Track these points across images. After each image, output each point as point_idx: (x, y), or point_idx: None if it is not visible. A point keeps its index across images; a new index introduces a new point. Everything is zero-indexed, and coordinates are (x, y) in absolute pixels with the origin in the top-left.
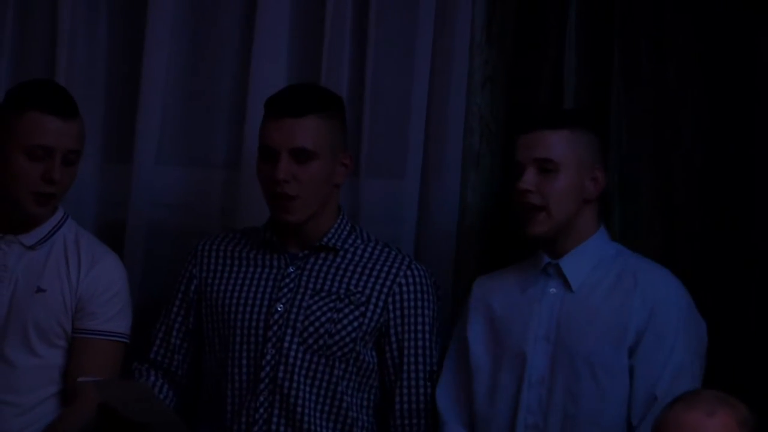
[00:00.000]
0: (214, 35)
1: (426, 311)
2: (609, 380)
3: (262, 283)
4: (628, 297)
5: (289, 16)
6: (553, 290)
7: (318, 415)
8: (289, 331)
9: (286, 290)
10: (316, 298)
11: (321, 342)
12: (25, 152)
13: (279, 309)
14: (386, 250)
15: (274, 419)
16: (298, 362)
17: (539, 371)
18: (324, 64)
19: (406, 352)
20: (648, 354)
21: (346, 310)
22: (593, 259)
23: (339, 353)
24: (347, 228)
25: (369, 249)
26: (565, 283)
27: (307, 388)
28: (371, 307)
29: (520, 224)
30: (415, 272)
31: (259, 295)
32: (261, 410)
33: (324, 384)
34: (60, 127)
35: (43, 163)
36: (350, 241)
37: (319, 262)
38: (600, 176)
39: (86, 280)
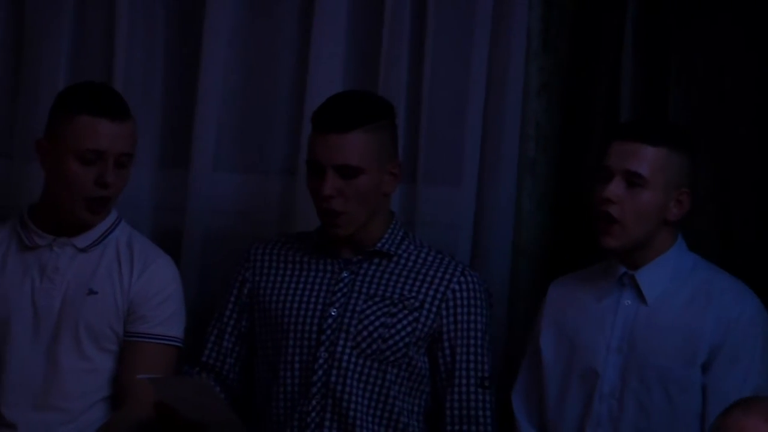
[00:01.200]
0: (271, 41)
1: (479, 318)
2: (681, 396)
3: (316, 287)
4: (702, 312)
5: (346, 22)
6: (627, 302)
7: (370, 419)
8: (342, 335)
9: (339, 295)
10: (370, 303)
11: (374, 346)
12: (77, 157)
13: (332, 313)
14: (439, 256)
15: (326, 423)
16: (351, 366)
17: (611, 383)
18: (381, 71)
19: (458, 358)
20: (722, 373)
21: (400, 315)
22: (670, 272)
23: (392, 358)
24: (400, 234)
25: (423, 255)
26: (640, 296)
27: (360, 392)
28: (424, 312)
29: (595, 231)
30: (469, 279)
31: (312, 300)
32: (313, 414)
33: (376, 389)
34: (111, 130)
35: (96, 166)
36: (403, 247)
37: (373, 267)
38: (686, 200)
39: (138, 282)
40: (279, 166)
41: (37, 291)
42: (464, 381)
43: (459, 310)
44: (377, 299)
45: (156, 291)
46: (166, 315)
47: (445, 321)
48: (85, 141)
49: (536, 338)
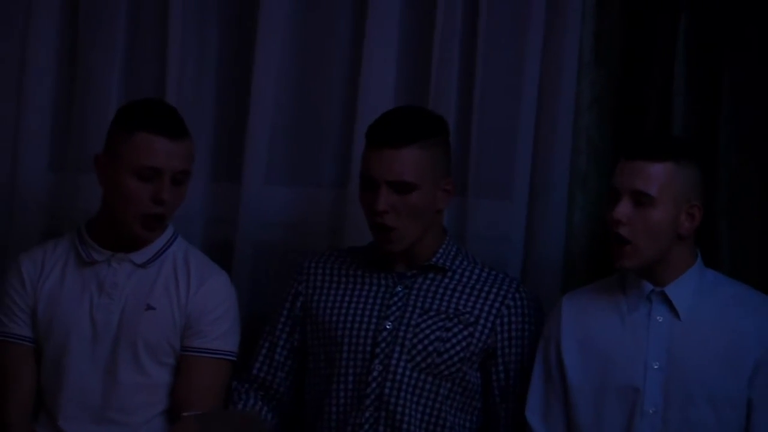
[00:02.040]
0: (323, 55)
1: (532, 335)
2: (727, 410)
3: (370, 301)
4: (741, 326)
5: (397, 36)
6: (660, 318)
7: None
8: (397, 348)
9: (394, 308)
10: (425, 317)
11: (429, 360)
12: (135, 173)
13: (387, 327)
14: (493, 272)
15: None
16: (405, 379)
17: (653, 401)
18: (432, 84)
19: (512, 374)
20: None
21: (455, 330)
22: (695, 287)
23: (446, 372)
24: (454, 249)
25: (477, 270)
26: (672, 311)
27: (413, 406)
28: (479, 327)
29: (609, 253)
30: (523, 295)
31: (366, 313)
32: (366, 426)
33: (429, 402)
34: (169, 148)
35: (153, 183)
36: (457, 262)
37: (427, 281)
38: (697, 213)
39: (195, 298)
40: (330, 179)
41: (95, 306)
42: (518, 398)
43: (513, 326)
44: (432, 313)
45: (212, 306)
46: (221, 330)
47: (499, 337)
48: (142, 158)
49: (551, 355)
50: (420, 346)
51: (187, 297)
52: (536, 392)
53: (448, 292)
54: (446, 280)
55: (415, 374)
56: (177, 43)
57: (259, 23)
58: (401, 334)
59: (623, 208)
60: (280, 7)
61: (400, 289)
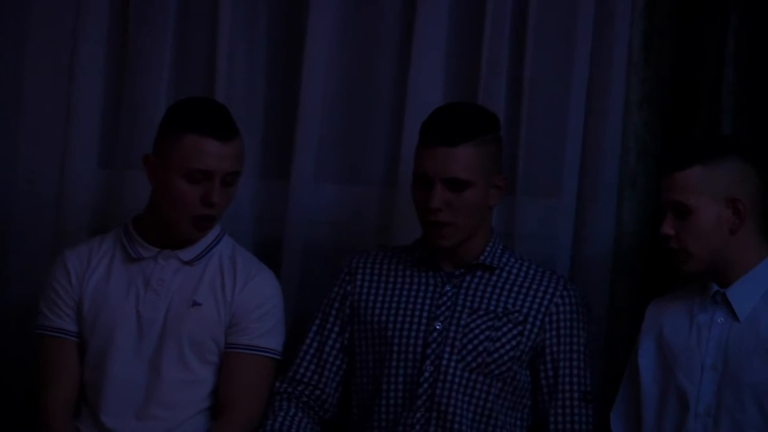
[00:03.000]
0: (372, 53)
1: (580, 332)
2: None
3: (419, 301)
4: None
5: (446, 34)
6: (720, 320)
7: None
8: (448, 348)
9: (443, 308)
10: (474, 317)
11: (479, 360)
12: (184, 175)
13: (437, 327)
14: (540, 270)
15: None
16: (456, 380)
17: (706, 401)
18: (481, 83)
19: (561, 372)
20: None
21: (505, 329)
22: (761, 288)
23: (496, 371)
24: (500, 247)
25: (524, 268)
26: (731, 313)
27: (464, 406)
28: (528, 326)
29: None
30: (571, 293)
31: (416, 313)
32: (417, 427)
33: (481, 402)
34: (218, 150)
35: (202, 185)
36: (504, 260)
37: (476, 280)
38: (742, 206)
39: (241, 295)
40: (378, 178)
41: (141, 302)
42: (567, 395)
43: (561, 324)
44: (481, 313)
45: (257, 304)
46: (266, 328)
47: (548, 335)
48: (191, 161)
49: (634, 358)
50: (470, 346)
51: (232, 294)
52: (621, 394)
53: (497, 291)
54: (494, 278)
55: (465, 374)
56: (226, 41)
57: (309, 21)
58: (451, 334)
59: (667, 223)
60: (329, 4)
61: (449, 288)
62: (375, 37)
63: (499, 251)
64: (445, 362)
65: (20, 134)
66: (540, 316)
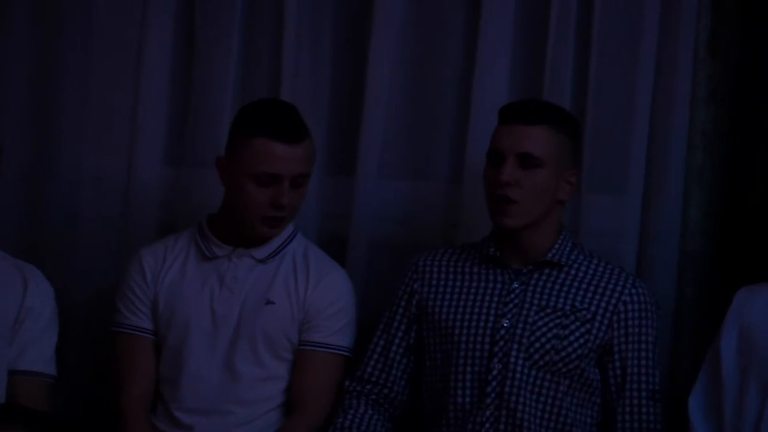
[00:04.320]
0: (437, 49)
1: (649, 330)
2: None
3: (487, 298)
4: None
5: (512, 31)
6: None
7: (543, 431)
8: (515, 346)
9: (511, 306)
10: (542, 314)
11: (547, 358)
12: (254, 178)
13: (505, 324)
14: (609, 267)
15: None
16: (524, 377)
17: None
18: (546, 79)
19: (629, 370)
20: None
21: (572, 327)
22: None
23: (564, 369)
24: (569, 244)
25: (593, 266)
26: None
27: (533, 404)
28: (596, 324)
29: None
30: (639, 290)
31: (484, 311)
32: (487, 425)
33: (549, 400)
34: (287, 154)
35: (272, 188)
36: (573, 257)
37: (543, 278)
38: None
39: (314, 293)
40: (444, 174)
41: (216, 299)
42: (635, 394)
43: (630, 322)
44: (549, 311)
45: (330, 302)
46: (338, 326)
47: (616, 333)
48: (261, 164)
49: (716, 344)
50: (537, 344)
51: (305, 292)
52: (702, 378)
53: (565, 289)
54: (562, 276)
55: (533, 372)
56: (292, 39)
57: (374, 18)
58: (519, 332)
59: None
60: (394, 1)
61: (516, 285)
62: (440, 34)
63: (568, 248)
64: (512, 360)
65: (87, 132)
66: (608, 314)
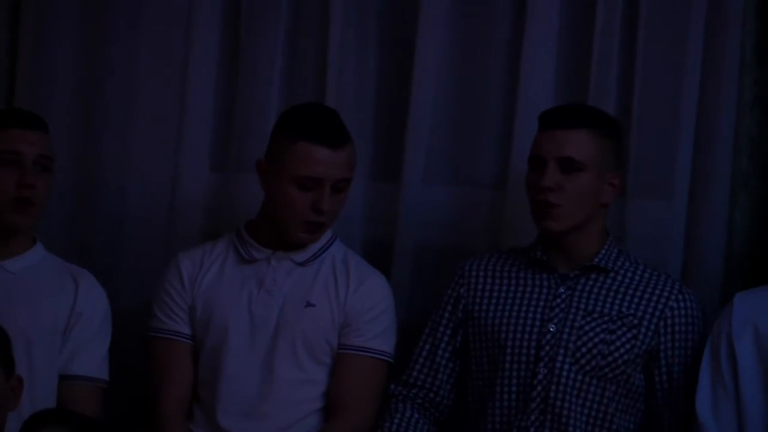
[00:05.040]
0: (482, 55)
1: (696, 336)
2: None
3: (533, 303)
4: None
5: (556, 38)
6: None
7: None
8: (561, 351)
9: (557, 310)
10: (588, 319)
11: (594, 363)
12: (295, 182)
13: (551, 329)
14: (655, 273)
15: None
16: (570, 382)
17: None
18: (591, 84)
19: (675, 376)
20: None
21: (619, 332)
22: None
23: (610, 375)
24: (615, 249)
25: (639, 271)
26: None
27: (578, 408)
28: (643, 330)
29: None
30: (686, 297)
31: (530, 315)
32: (532, 429)
33: (595, 405)
34: (329, 158)
35: (313, 192)
36: (619, 263)
37: (590, 283)
38: None
39: (354, 297)
40: (489, 179)
41: (254, 302)
42: (682, 400)
43: (677, 328)
44: (596, 315)
45: (370, 306)
46: (378, 330)
47: (662, 339)
48: (302, 168)
49: (722, 350)
50: (584, 349)
51: (346, 295)
52: (705, 387)
53: (611, 294)
54: (609, 281)
55: (579, 377)
56: (337, 44)
57: (419, 23)
58: (565, 336)
59: None
60: (439, 6)
61: (563, 290)
62: (485, 39)
63: (614, 254)
64: (558, 364)
65: (133, 137)
66: (655, 320)
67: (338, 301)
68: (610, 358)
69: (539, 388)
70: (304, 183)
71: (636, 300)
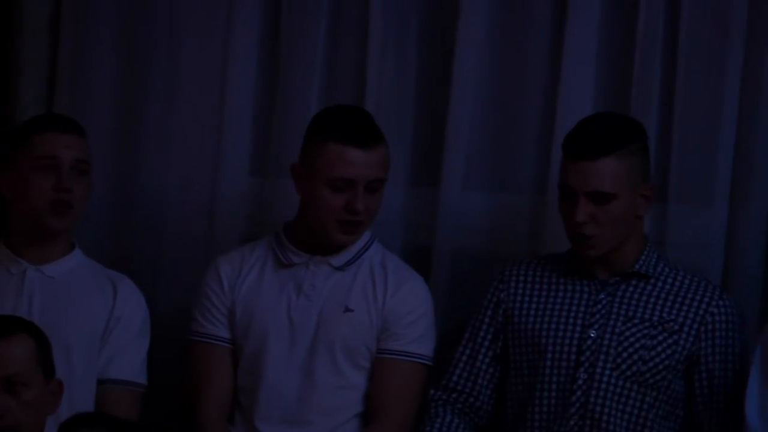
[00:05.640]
0: (521, 60)
1: (736, 343)
2: None
3: (573, 308)
4: None
5: (597, 41)
6: None
7: None
8: (602, 356)
9: (598, 316)
10: (629, 325)
11: (634, 368)
12: (328, 184)
13: (592, 335)
14: (696, 279)
15: None
16: (611, 388)
17: None
18: (633, 91)
19: (716, 383)
20: None
21: (660, 338)
22: None
23: (651, 381)
24: (655, 255)
25: (679, 277)
26: None
27: (618, 414)
28: (683, 335)
29: None
30: (726, 303)
31: (570, 321)
32: None
33: (635, 411)
34: (361, 158)
35: (346, 193)
36: (659, 269)
37: (630, 289)
38: None
39: (392, 301)
40: (528, 185)
41: (293, 307)
42: (722, 406)
43: (717, 334)
44: (636, 321)
45: (408, 310)
46: (417, 334)
47: (703, 345)
48: (334, 169)
49: None
50: (625, 354)
51: (384, 300)
52: (754, 391)
53: (652, 300)
54: (649, 287)
55: (620, 383)
56: (376, 49)
57: (459, 28)
58: (606, 342)
59: None
60: (480, 13)
61: (603, 296)
62: (525, 45)
63: (654, 260)
64: (599, 370)
65: (173, 144)
66: (695, 326)
67: (376, 305)
68: (650, 364)
69: (579, 393)
70: (337, 184)
71: (677, 306)
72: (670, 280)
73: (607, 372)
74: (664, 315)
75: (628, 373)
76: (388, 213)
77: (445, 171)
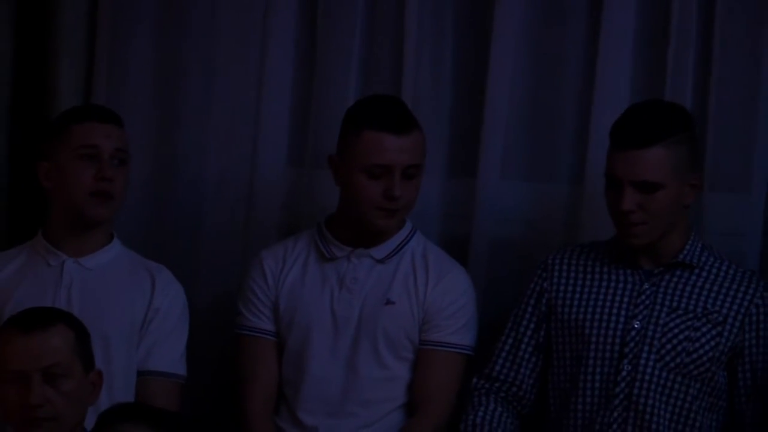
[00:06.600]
0: (558, 50)
1: None
2: None
3: (617, 298)
4: None
5: (633, 29)
6: None
7: None
8: (646, 348)
9: (642, 307)
10: (673, 316)
11: (678, 360)
12: (365, 171)
13: (636, 326)
14: (740, 270)
15: None
16: (655, 379)
17: None
18: (668, 77)
19: (759, 374)
20: None
21: (704, 329)
22: None
23: (695, 372)
24: (699, 245)
25: (724, 267)
26: None
27: (662, 406)
28: (728, 327)
29: None
30: None
31: (614, 311)
32: (614, 426)
33: (679, 402)
34: (396, 144)
35: (384, 180)
36: (704, 259)
37: (675, 279)
38: None
39: (434, 292)
40: (566, 175)
41: (336, 300)
42: (766, 398)
43: (762, 325)
44: (680, 312)
45: (450, 301)
46: (459, 325)
47: (747, 336)
48: (370, 156)
49: None
50: (669, 346)
51: (425, 291)
52: None
53: (696, 290)
54: (693, 278)
55: (664, 374)
56: (413, 40)
57: (495, 18)
58: (650, 333)
59: None
60: (516, 2)
61: (647, 286)
62: (562, 34)
63: (698, 250)
64: (643, 361)
65: (210, 133)
66: (740, 317)
67: (417, 297)
68: (695, 355)
69: (623, 384)
70: (374, 171)
71: (721, 296)
72: (714, 270)
73: (651, 363)
74: (708, 306)
75: (672, 364)
76: (425, 204)
77: (483, 161)
